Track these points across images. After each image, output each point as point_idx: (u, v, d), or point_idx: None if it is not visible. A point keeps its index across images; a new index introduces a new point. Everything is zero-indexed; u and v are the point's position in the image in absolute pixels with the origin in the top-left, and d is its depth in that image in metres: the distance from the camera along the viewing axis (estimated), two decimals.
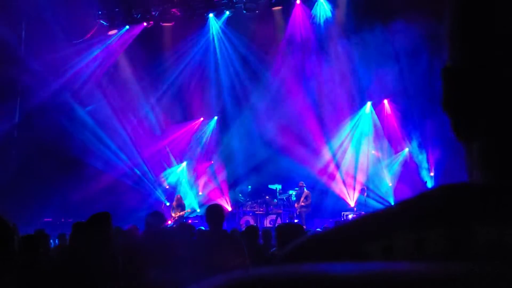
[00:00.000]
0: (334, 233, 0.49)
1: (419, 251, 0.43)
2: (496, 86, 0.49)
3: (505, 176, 0.48)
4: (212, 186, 15.39)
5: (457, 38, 0.52)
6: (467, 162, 0.55)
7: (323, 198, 13.07)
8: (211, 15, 14.77)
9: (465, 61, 0.52)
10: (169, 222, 13.13)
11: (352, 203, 13.48)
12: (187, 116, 15.84)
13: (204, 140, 16.07)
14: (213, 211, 4.37)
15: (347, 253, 0.46)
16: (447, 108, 0.53)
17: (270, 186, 13.49)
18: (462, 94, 0.52)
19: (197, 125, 16.21)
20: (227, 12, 14.46)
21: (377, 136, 14.09)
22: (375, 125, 14.18)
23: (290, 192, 13.14)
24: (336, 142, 14.66)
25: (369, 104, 14.32)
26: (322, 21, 14.10)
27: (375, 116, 14.19)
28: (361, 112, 14.45)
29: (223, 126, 16.00)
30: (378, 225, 0.47)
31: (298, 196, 12.55)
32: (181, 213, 13.32)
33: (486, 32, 0.49)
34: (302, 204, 12.25)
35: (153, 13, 14.64)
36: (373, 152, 14.06)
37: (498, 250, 0.41)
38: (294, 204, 12.57)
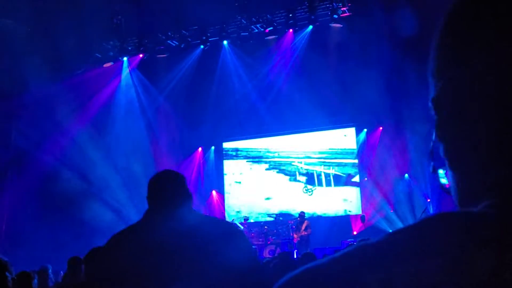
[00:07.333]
0: (332, 264, 0.48)
1: (417, 283, 0.42)
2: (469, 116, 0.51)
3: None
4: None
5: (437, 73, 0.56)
6: (458, 187, 0.55)
7: (322, 226, 12.92)
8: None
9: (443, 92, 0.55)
10: None
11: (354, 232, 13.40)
12: (185, 148, 15.77)
13: (201, 169, 16.03)
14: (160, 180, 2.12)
15: (344, 284, 0.45)
16: (437, 135, 0.56)
17: (269, 214, 13.39)
18: (441, 123, 0.55)
19: (196, 156, 16.15)
20: (225, 42, 14.60)
21: (373, 163, 14.07)
22: (370, 152, 14.19)
23: (290, 214, 12.94)
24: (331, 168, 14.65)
25: (364, 131, 14.40)
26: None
27: (371, 143, 14.24)
28: (357, 139, 14.52)
29: (221, 155, 16.00)
30: (376, 256, 0.46)
31: (298, 225, 12.38)
32: None
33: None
34: (304, 233, 12.08)
35: (148, 45, 14.71)
36: (365, 179, 14.03)
37: (497, 278, 0.41)
38: (293, 234, 12.38)
